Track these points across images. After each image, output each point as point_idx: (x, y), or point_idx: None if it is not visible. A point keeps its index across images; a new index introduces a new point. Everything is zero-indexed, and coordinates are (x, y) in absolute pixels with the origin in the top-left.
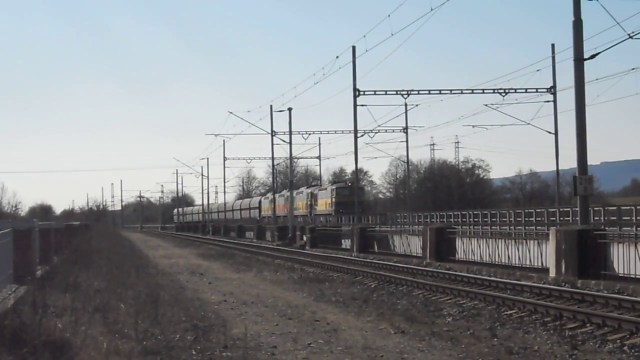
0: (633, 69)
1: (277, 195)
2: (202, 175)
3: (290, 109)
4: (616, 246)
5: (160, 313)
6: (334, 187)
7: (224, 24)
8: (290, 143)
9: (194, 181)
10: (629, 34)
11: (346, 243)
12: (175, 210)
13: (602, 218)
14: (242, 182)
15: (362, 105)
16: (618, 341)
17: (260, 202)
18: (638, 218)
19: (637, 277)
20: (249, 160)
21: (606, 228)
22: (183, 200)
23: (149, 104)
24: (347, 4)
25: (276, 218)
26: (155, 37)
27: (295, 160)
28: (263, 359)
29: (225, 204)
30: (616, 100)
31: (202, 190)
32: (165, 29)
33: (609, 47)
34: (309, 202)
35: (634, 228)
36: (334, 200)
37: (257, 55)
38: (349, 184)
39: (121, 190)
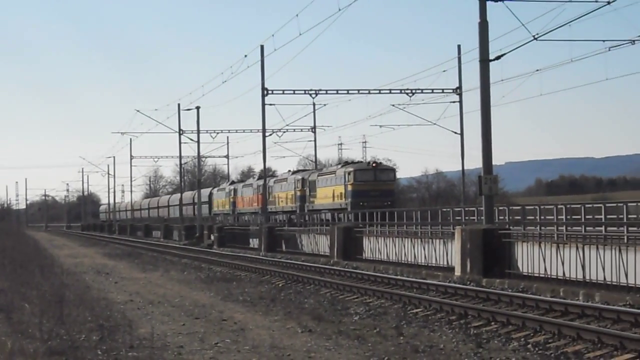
0: (537, 70)
1: (240, 186)
2: (108, 174)
3: (198, 108)
4: (520, 245)
5: (66, 313)
6: (350, 169)
7: (130, 23)
8: (198, 142)
9: (100, 180)
10: (534, 36)
11: (254, 242)
12: (103, 207)
13: (506, 217)
14: (150, 181)
15: (270, 105)
16: (522, 339)
17: (210, 195)
18: (542, 217)
19: (541, 275)
20: (156, 159)
21: (511, 227)
22: (89, 198)
23: (54, 102)
24: (255, 3)
25: (237, 216)
26: (61, 36)
27: (203, 159)
28: (170, 359)
29: (132, 202)
30: (521, 101)
31: (109, 189)
32: (71, 28)
33: (514, 49)
34: (253, 197)
35: (537, 227)
36: (349, 189)
37: (164, 53)
38: (374, 164)
39: (26, 189)
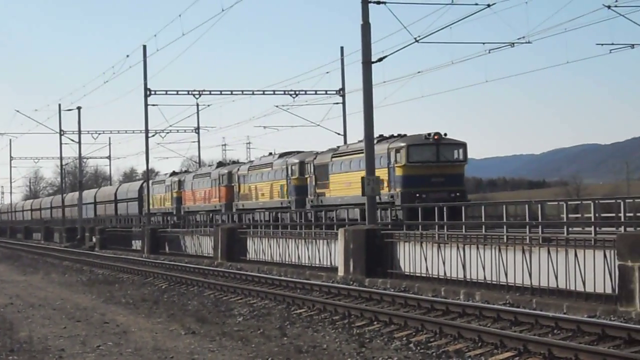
0: (419, 72)
1: (189, 177)
2: None
3: (79, 108)
4: (402, 245)
5: None
6: (400, 144)
7: (8, 20)
8: (79, 143)
9: None
10: (415, 38)
11: (137, 244)
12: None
13: (389, 217)
14: (30, 183)
15: (153, 105)
16: (404, 338)
17: (142, 190)
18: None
19: (423, 275)
20: (36, 160)
21: (392, 228)
22: None
23: None
24: (138, 3)
25: (184, 215)
26: None
27: (85, 160)
28: None
29: (12, 204)
30: (403, 102)
31: None
32: None
33: (396, 51)
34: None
35: (419, 228)
36: (398, 173)
37: (45, 52)
38: (435, 136)
39: None
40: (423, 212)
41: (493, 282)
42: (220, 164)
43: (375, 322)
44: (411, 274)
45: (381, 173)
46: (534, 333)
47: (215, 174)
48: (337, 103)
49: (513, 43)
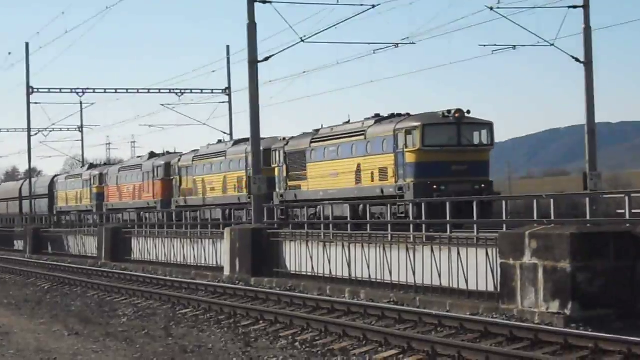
0: (304, 72)
1: (114, 170)
2: None
3: None
4: (288, 244)
5: None
6: (415, 123)
7: None
8: None
9: None
10: (301, 38)
11: (19, 244)
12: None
13: (275, 217)
14: None
15: (36, 103)
16: (290, 337)
17: (53, 185)
18: (310, 217)
19: (309, 274)
20: None
21: (278, 227)
22: None
23: None
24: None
25: (107, 213)
26: None
27: None
28: None
29: None
30: (289, 102)
31: None
32: None
33: (282, 50)
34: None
35: (305, 227)
36: (409, 160)
37: None
38: (456, 114)
39: None
40: (441, 208)
41: (378, 281)
42: (153, 155)
43: (261, 322)
44: (297, 273)
45: (384, 160)
46: (418, 331)
47: (149, 165)
48: (223, 102)
49: (397, 44)
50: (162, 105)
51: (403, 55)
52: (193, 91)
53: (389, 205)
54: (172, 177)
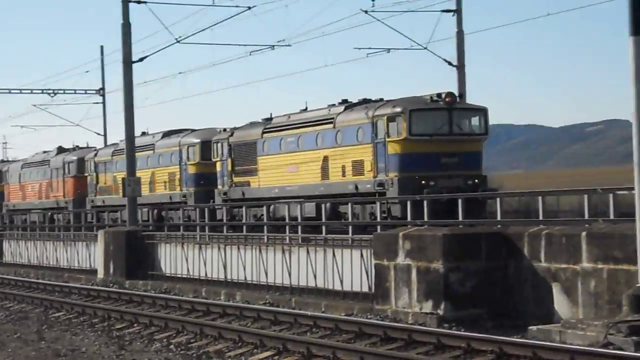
0: (180, 72)
1: (16, 166)
2: None
3: None
4: (164, 247)
5: None
6: (398, 109)
7: None
8: None
9: None
10: (176, 39)
11: None
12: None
13: (149, 218)
14: None
15: None
16: (165, 340)
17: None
18: (185, 219)
19: (184, 276)
20: None
21: (153, 229)
22: None
23: None
24: None
25: (8, 213)
26: None
27: None
28: None
29: None
30: (165, 102)
31: None
32: None
33: (157, 51)
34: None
35: (180, 229)
36: (392, 151)
37: None
38: (447, 98)
39: None
40: (430, 207)
41: (254, 282)
42: (62, 150)
43: (135, 324)
44: (173, 276)
45: (359, 152)
46: (293, 332)
47: (58, 161)
48: (97, 103)
49: (273, 45)
50: (34, 105)
51: (278, 57)
52: (66, 91)
53: (364, 205)
54: (86, 174)
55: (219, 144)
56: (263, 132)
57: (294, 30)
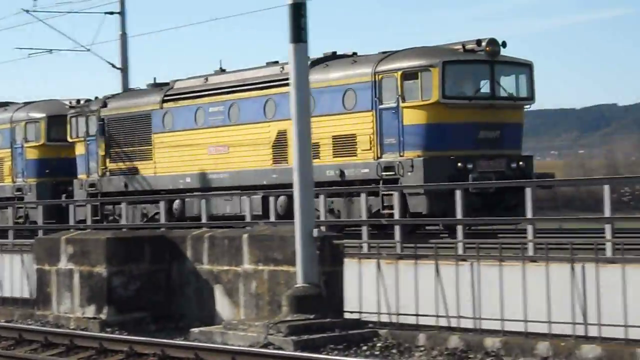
0: None
1: None
2: None
3: None
4: None
5: None
6: (427, 62)
7: None
8: None
9: None
10: None
11: None
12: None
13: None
14: None
15: None
16: None
17: None
18: None
19: None
20: None
21: None
22: None
23: None
24: None
25: None
26: None
27: None
28: None
29: None
30: None
31: None
32: None
33: None
34: None
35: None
36: (406, 123)
37: None
38: (487, 47)
39: None
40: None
41: None
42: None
43: None
44: None
45: (348, 123)
46: None
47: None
48: None
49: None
50: None
51: None
52: None
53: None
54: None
55: (82, 119)
56: (164, 100)
57: None
